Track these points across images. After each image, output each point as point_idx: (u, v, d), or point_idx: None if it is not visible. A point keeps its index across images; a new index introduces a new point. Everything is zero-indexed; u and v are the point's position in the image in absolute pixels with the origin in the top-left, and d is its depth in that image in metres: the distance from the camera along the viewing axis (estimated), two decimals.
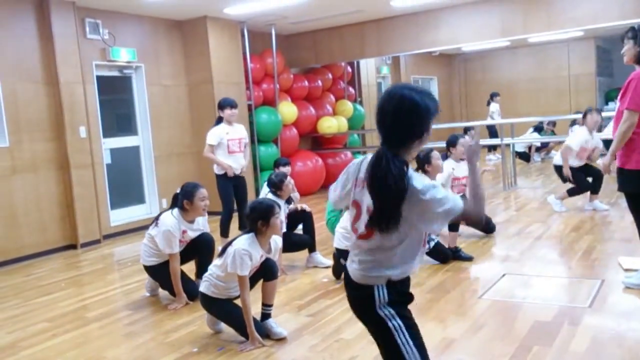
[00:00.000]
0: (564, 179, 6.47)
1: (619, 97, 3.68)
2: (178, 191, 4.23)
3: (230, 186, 5.73)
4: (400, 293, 1.98)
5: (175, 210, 4.18)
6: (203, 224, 4.38)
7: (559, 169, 6.59)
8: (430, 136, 1.91)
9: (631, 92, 3.51)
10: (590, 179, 6.40)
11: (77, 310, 4.31)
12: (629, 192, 3.68)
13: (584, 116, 6.42)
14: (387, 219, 1.84)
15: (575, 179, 6.33)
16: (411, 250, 1.94)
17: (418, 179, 1.83)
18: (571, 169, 6.30)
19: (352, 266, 1.99)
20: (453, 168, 5.48)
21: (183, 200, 4.15)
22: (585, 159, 6.35)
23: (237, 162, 5.72)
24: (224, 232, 5.74)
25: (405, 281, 2.01)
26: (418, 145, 1.90)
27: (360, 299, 1.98)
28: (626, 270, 4.15)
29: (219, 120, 5.72)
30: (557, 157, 6.73)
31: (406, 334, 1.92)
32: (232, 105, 5.67)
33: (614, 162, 3.73)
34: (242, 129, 5.87)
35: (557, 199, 6.60)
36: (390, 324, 1.92)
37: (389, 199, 1.82)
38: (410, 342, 1.92)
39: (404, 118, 1.85)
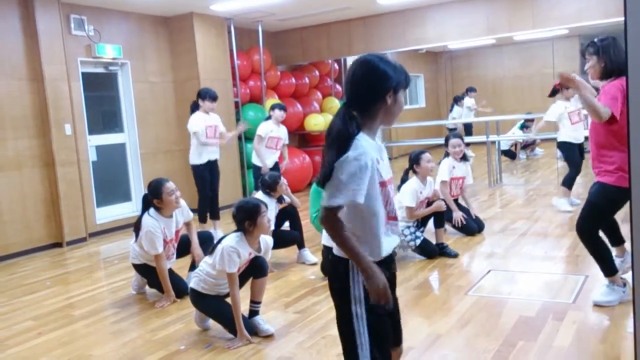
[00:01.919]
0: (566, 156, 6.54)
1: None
2: (146, 191, 4.21)
3: (207, 173, 6.07)
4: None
5: (152, 210, 4.17)
6: (183, 213, 4.33)
7: (562, 145, 6.53)
8: (399, 109, 1.91)
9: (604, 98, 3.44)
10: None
11: (63, 309, 4.29)
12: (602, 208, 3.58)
13: (559, 91, 6.37)
14: (323, 176, 1.84)
15: (567, 153, 6.38)
16: (362, 223, 1.88)
17: (359, 146, 1.81)
18: (566, 143, 6.35)
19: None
20: (454, 167, 5.61)
21: (153, 199, 4.14)
22: (581, 120, 6.33)
23: (213, 149, 6.15)
24: (202, 218, 6.21)
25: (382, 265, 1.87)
26: (384, 113, 1.90)
27: (335, 272, 1.95)
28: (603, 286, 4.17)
29: (196, 107, 5.92)
30: (561, 134, 6.55)
31: (365, 325, 1.89)
32: (214, 98, 6.08)
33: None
34: (217, 117, 6.26)
35: (562, 198, 6.51)
36: (353, 308, 1.89)
37: (327, 153, 1.85)
38: (366, 334, 1.89)
39: (362, 79, 1.87)
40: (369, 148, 1.83)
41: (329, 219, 1.81)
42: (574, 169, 6.46)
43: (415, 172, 5.02)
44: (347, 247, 1.82)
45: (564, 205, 6.40)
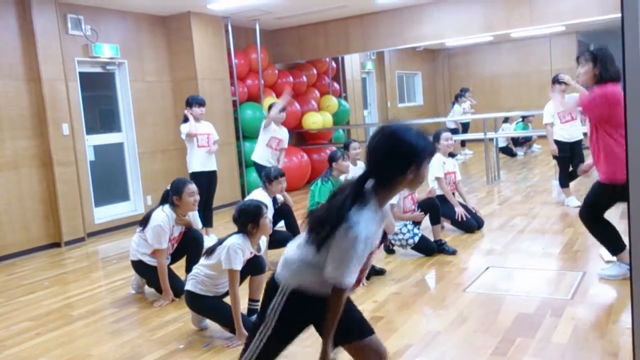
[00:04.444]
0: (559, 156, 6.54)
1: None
2: (168, 188, 4.26)
3: (205, 182, 5.93)
4: (297, 311, 2.03)
5: (167, 206, 4.20)
6: (194, 219, 4.42)
7: (555, 143, 6.51)
8: (420, 182, 1.92)
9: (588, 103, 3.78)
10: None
11: (61, 309, 4.28)
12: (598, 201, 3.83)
13: (553, 84, 6.45)
14: (323, 237, 1.88)
15: (559, 153, 6.38)
16: (310, 277, 1.97)
17: (366, 222, 1.83)
18: (556, 142, 6.36)
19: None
20: (444, 162, 5.61)
21: (172, 196, 4.18)
22: (574, 118, 6.36)
23: (211, 158, 6.09)
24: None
25: (310, 304, 2.01)
26: (403, 185, 1.90)
27: (266, 290, 2.12)
28: (607, 262, 4.21)
29: (187, 118, 5.91)
30: (554, 133, 6.54)
31: (264, 338, 2.05)
32: (201, 103, 6.00)
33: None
34: (209, 125, 6.18)
35: (568, 197, 6.49)
36: (262, 326, 2.06)
37: (325, 222, 1.88)
38: (260, 346, 2.06)
39: (385, 151, 1.87)
40: (373, 227, 1.86)
41: (341, 297, 1.88)
42: (563, 167, 6.48)
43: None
44: (336, 322, 1.93)
45: (573, 201, 6.38)
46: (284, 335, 2.09)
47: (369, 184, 1.91)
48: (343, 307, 1.93)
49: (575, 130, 6.41)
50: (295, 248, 2.05)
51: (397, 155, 1.85)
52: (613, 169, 3.69)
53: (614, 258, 3.96)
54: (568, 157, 6.41)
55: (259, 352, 2.07)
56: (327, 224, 1.86)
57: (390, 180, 1.88)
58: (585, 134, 6.76)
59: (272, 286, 2.06)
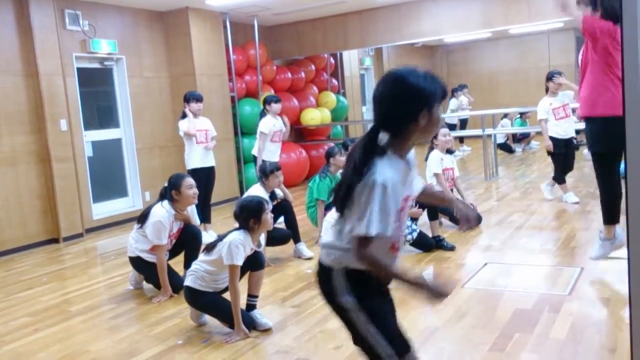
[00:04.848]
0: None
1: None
2: (166, 185, 4.27)
3: (204, 177, 5.93)
4: (362, 283, 1.83)
5: (166, 202, 4.20)
6: (192, 215, 4.42)
7: (550, 139, 6.49)
8: (436, 126, 1.77)
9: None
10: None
11: (59, 304, 4.28)
12: (599, 151, 3.77)
13: (547, 81, 6.48)
14: (341, 198, 1.76)
15: (553, 151, 6.38)
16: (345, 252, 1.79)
17: (382, 169, 1.69)
18: (551, 138, 6.33)
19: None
20: (442, 158, 5.61)
21: (171, 190, 4.18)
22: (568, 115, 6.37)
23: (209, 153, 6.07)
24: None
25: (369, 279, 1.84)
26: (417, 133, 1.75)
27: (320, 281, 1.91)
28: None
29: (185, 114, 5.91)
30: (548, 129, 6.51)
31: (370, 324, 1.82)
32: (199, 99, 6.01)
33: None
34: (207, 121, 6.17)
35: (565, 193, 6.49)
36: (351, 315, 1.83)
37: (347, 175, 1.75)
38: (375, 331, 1.82)
39: (391, 99, 1.73)
40: (393, 173, 1.70)
41: (369, 250, 1.69)
42: (557, 164, 6.48)
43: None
44: (394, 274, 1.79)
45: (571, 197, 6.39)
46: (379, 306, 1.87)
47: (383, 136, 1.77)
48: (379, 259, 1.74)
49: (569, 127, 6.43)
50: (328, 230, 1.92)
51: (406, 102, 1.70)
52: (592, 102, 3.66)
53: (616, 254, 3.96)
54: (563, 154, 6.43)
55: (381, 336, 1.81)
56: (344, 183, 1.75)
57: (401, 129, 1.74)
58: (577, 131, 6.80)
59: (325, 275, 1.86)
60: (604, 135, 3.65)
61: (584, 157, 8.62)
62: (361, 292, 1.82)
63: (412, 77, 1.71)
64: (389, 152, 1.74)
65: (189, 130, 5.89)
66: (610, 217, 3.90)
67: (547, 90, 6.50)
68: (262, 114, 6.65)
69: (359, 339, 1.86)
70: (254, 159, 6.67)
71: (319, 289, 1.93)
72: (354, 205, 1.72)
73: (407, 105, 1.71)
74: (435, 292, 1.77)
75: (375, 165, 1.70)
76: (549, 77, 6.46)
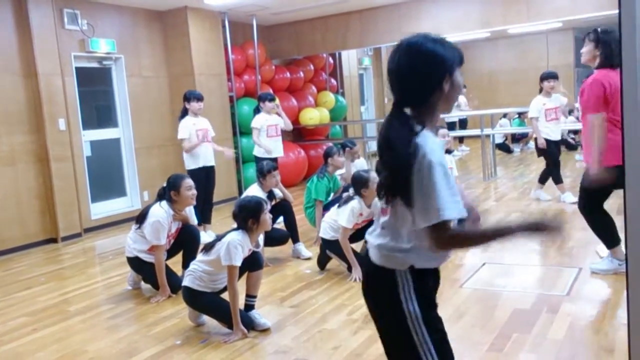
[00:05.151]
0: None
1: (579, 101, 3.83)
2: (164, 185, 4.26)
3: (203, 177, 5.92)
4: (426, 288, 1.67)
5: (164, 202, 4.20)
6: (190, 215, 4.41)
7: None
8: (459, 90, 1.67)
9: (587, 98, 3.66)
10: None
11: (58, 304, 4.28)
12: (589, 187, 3.75)
13: (541, 81, 6.53)
14: (394, 191, 1.59)
15: (547, 149, 6.38)
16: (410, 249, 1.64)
17: (431, 147, 1.54)
18: (546, 140, 6.35)
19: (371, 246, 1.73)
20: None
21: (170, 191, 4.17)
22: (558, 117, 6.42)
23: (208, 152, 6.06)
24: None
25: (430, 277, 1.70)
26: (442, 102, 1.63)
27: (378, 284, 1.69)
28: (602, 258, 4.24)
29: (185, 112, 5.89)
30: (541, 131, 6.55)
31: (429, 342, 1.62)
32: (199, 98, 6.02)
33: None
34: (206, 121, 6.18)
35: (563, 193, 6.49)
36: (410, 325, 1.63)
37: (394, 167, 1.58)
38: (432, 349, 1.63)
39: (411, 69, 1.61)
40: (440, 149, 1.58)
41: (448, 234, 1.55)
42: (551, 162, 6.49)
43: (362, 196, 5.23)
44: (488, 237, 1.63)
45: (569, 197, 6.37)
46: (440, 321, 1.69)
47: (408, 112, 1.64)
48: (464, 236, 1.62)
49: (557, 130, 6.49)
50: (377, 230, 1.71)
51: (429, 71, 1.60)
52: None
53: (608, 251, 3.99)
54: (556, 153, 6.46)
55: (436, 357, 1.64)
56: (391, 171, 1.59)
57: (427, 101, 1.62)
58: (576, 132, 6.83)
59: (381, 272, 1.67)
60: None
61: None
62: (425, 302, 1.67)
63: (430, 44, 1.61)
64: (425, 129, 1.60)
65: (191, 144, 5.90)
66: (610, 241, 3.90)
67: (540, 90, 6.54)
68: (256, 110, 6.69)
69: (401, 352, 1.68)
70: (255, 159, 6.67)
71: (372, 293, 1.74)
72: (409, 195, 1.55)
73: (431, 74, 1.60)
74: (551, 227, 1.59)
75: (420, 145, 1.54)
76: (543, 78, 6.49)
